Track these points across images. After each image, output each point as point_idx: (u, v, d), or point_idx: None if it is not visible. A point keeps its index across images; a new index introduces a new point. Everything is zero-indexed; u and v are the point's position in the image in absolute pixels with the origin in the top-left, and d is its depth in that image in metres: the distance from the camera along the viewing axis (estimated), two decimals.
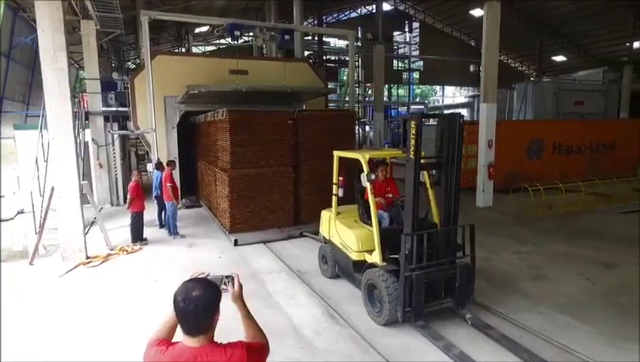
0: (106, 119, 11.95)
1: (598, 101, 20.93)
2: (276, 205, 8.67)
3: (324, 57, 24.12)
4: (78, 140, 9.26)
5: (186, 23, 18.66)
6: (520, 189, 11.11)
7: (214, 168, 9.47)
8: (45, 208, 7.51)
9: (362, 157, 5.20)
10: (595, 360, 4.03)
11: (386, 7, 29.14)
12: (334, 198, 6.06)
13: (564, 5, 24.53)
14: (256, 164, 8.43)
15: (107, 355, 4.32)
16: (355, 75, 21.71)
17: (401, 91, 35.27)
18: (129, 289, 6.00)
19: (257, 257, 7.36)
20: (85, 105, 11.97)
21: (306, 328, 4.80)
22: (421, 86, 40.23)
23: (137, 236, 8.19)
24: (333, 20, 30.87)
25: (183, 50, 21.60)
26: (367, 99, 28.27)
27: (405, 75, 33.59)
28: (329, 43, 27.17)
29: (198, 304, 1.57)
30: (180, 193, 9.63)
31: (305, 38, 18.94)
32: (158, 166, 9.47)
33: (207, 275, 1.78)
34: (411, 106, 32.30)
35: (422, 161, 4.69)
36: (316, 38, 22.63)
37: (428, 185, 5.28)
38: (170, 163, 9.20)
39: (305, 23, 21.72)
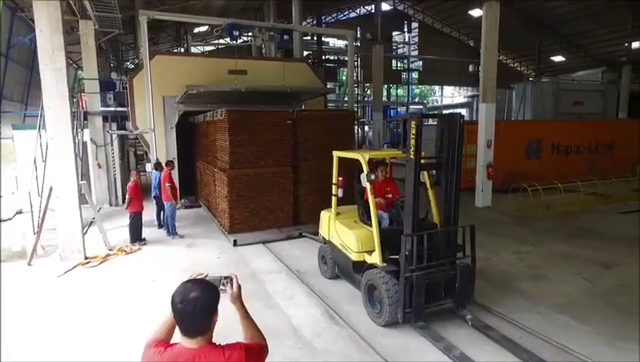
0: (105, 119, 11.93)
1: (596, 101, 20.96)
2: (275, 205, 8.66)
3: (323, 57, 24.10)
4: (77, 140, 9.24)
5: (185, 23, 18.63)
6: (519, 189, 11.13)
7: (213, 168, 9.46)
8: (44, 208, 7.48)
9: (362, 157, 5.19)
10: (593, 360, 4.03)
11: (385, 7, 29.13)
12: (334, 199, 6.05)
13: (563, 5, 24.57)
14: (256, 164, 8.41)
15: (106, 356, 4.30)
16: (354, 75, 21.73)
17: (400, 91, 35.27)
18: (128, 290, 5.98)
19: (256, 257, 7.35)
20: (84, 105, 11.95)
21: (305, 328, 4.80)
22: (420, 86, 40.27)
23: (136, 236, 8.18)
24: (332, 20, 30.86)
25: (182, 50, 21.57)
26: (366, 99, 28.25)
27: (404, 75, 33.58)
28: (328, 43, 27.16)
29: (196, 305, 1.57)
30: (178, 193, 9.62)
31: (304, 38, 18.92)
32: (157, 166, 9.45)
33: (206, 276, 1.77)
34: (410, 106, 32.31)
35: (422, 161, 4.68)
36: (315, 38, 22.60)
37: (428, 186, 5.27)
38: (169, 163, 9.19)
39: (304, 23, 21.70)
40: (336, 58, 26.61)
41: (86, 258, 7.18)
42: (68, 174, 7.01)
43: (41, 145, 9.05)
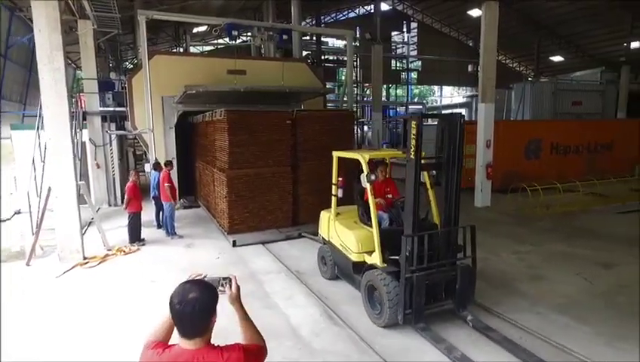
0: (104, 119, 11.91)
1: (595, 101, 20.97)
2: (275, 206, 8.65)
3: (323, 57, 24.09)
4: (76, 140, 9.21)
5: (184, 23, 18.60)
6: (518, 189, 11.13)
7: (212, 168, 9.45)
8: (42, 208, 7.46)
9: (362, 157, 5.17)
10: (593, 360, 4.03)
11: (384, 7, 29.13)
12: (334, 199, 6.03)
13: (562, 5, 24.58)
14: (255, 165, 8.40)
15: (105, 356, 4.29)
16: (354, 75, 21.69)
17: (399, 91, 35.29)
18: (126, 290, 5.97)
19: (256, 258, 7.34)
20: (83, 106, 11.93)
21: (304, 328, 4.79)
22: (419, 86, 40.27)
23: (135, 236, 8.16)
24: (332, 20, 30.84)
25: (181, 50, 21.53)
26: (365, 99, 28.25)
27: (403, 75, 33.59)
28: (327, 43, 27.14)
29: (194, 306, 1.56)
30: (177, 193, 9.60)
31: (303, 38, 18.92)
32: (156, 166, 9.44)
33: (205, 277, 1.76)
34: (409, 106, 32.32)
35: (422, 161, 4.66)
36: (314, 38, 22.60)
37: (428, 186, 5.26)
38: (168, 163, 9.18)
39: (303, 23, 21.70)
40: (335, 58, 26.61)
41: (85, 258, 7.17)
42: (66, 174, 6.99)
43: (39, 145, 9.04)
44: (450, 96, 41.09)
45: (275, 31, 12.29)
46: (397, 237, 4.62)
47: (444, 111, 27.89)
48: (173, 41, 23.72)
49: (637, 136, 15.66)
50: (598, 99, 21.13)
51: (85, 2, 9.80)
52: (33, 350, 4.45)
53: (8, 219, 9.79)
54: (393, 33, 31.83)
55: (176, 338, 1.67)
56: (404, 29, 32.80)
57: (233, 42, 12.57)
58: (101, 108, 11.95)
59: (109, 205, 11.91)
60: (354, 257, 5.28)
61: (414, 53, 33.26)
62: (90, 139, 11.60)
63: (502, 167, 12.25)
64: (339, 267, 5.92)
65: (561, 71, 30.62)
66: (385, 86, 30.60)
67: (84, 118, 11.50)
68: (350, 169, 6.36)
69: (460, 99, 35.75)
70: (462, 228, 4.86)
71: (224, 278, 1.78)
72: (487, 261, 6.78)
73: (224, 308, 1.73)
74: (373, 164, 5.39)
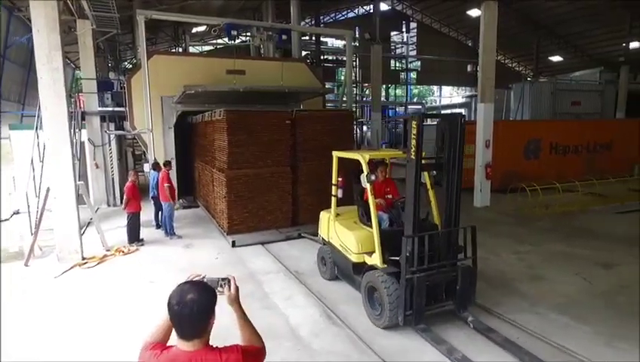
0: (103, 119, 11.89)
1: (594, 101, 20.99)
2: (274, 206, 8.63)
3: (322, 57, 24.07)
4: (75, 140, 9.20)
5: (183, 23, 18.58)
6: (517, 189, 11.13)
7: (212, 168, 9.43)
8: (41, 209, 7.45)
9: (362, 157, 5.14)
10: (593, 361, 4.02)
11: (384, 7, 29.12)
12: (333, 199, 6.01)
13: (561, 5, 24.60)
14: (254, 165, 8.38)
15: (103, 357, 4.28)
16: (353, 75, 21.68)
17: (398, 91, 35.28)
18: (125, 291, 5.96)
19: (255, 258, 7.33)
20: (81, 105, 11.91)
21: (303, 329, 4.78)
22: (418, 86, 40.26)
23: (134, 237, 8.15)
24: (331, 20, 30.83)
25: (180, 49, 21.51)
26: (364, 99, 28.25)
27: (403, 75, 33.58)
28: (326, 43, 27.12)
29: (193, 307, 1.55)
30: (176, 193, 9.58)
31: (302, 38, 18.90)
32: (155, 166, 9.43)
33: (203, 278, 1.76)
34: (409, 106, 32.32)
35: (423, 161, 4.63)
36: (314, 38, 22.58)
37: (429, 186, 5.25)
38: (167, 163, 9.17)
39: (302, 23, 21.68)
40: (334, 58, 26.59)
41: (83, 258, 7.15)
42: (65, 174, 6.98)
43: (38, 145, 9.02)
44: (449, 96, 41.10)
45: (274, 31, 12.28)
46: (397, 238, 4.59)
47: (443, 112, 27.94)
48: (172, 41, 23.67)
49: (636, 136, 15.67)
50: (597, 99, 21.14)
51: (84, 2, 9.78)
52: (32, 350, 4.44)
53: (7, 220, 9.77)
54: (392, 33, 31.83)
55: (174, 339, 1.66)
56: (404, 29, 32.81)
57: (232, 42, 12.59)
58: (100, 108, 11.92)
59: (108, 205, 11.89)
60: (354, 258, 5.25)
61: (413, 53, 33.26)
62: (89, 139, 11.57)
63: (501, 167, 12.25)
64: (339, 268, 5.91)
65: (561, 71, 30.65)
66: (384, 86, 30.60)
67: (83, 118, 11.48)
68: (350, 169, 6.34)
69: (460, 99, 35.76)
70: (462, 229, 4.83)
71: (223, 279, 1.78)
72: (486, 261, 6.77)
73: (223, 309, 1.72)
74: (373, 165, 5.37)
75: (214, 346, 1.65)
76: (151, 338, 1.74)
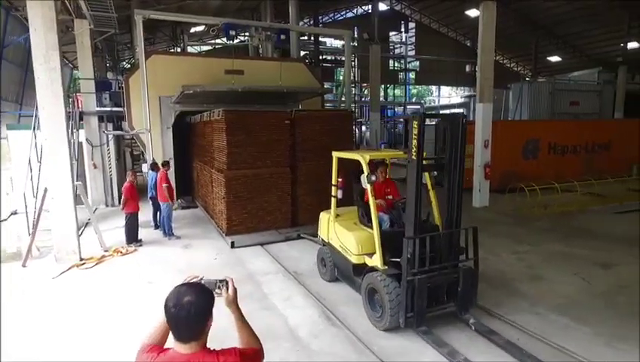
0: (101, 119, 11.85)
1: (593, 101, 21.02)
2: (273, 206, 8.60)
3: (321, 57, 24.05)
4: (72, 140, 9.17)
5: (182, 23, 18.55)
6: (516, 189, 11.13)
7: (210, 169, 9.40)
8: (38, 209, 7.42)
9: (362, 158, 5.10)
10: (591, 361, 4.01)
11: (382, 7, 29.15)
12: (333, 200, 5.97)
13: (560, 5, 24.63)
14: (253, 165, 8.35)
15: (101, 357, 4.25)
16: (352, 75, 21.67)
17: (397, 91, 35.29)
18: (123, 292, 5.93)
19: (254, 258, 7.31)
20: (79, 105, 11.87)
21: (302, 330, 4.76)
22: (417, 86, 40.29)
23: (132, 237, 8.12)
24: (330, 20, 30.83)
25: (179, 49, 21.48)
26: (363, 99, 28.26)
27: (401, 75, 33.61)
28: (325, 43, 27.11)
29: (190, 310, 1.53)
30: (175, 193, 9.56)
31: (301, 38, 18.88)
32: (153, 166, 9.40)
33: (201, 279, 1.73)
34: (407, 106, 32.34)
35: (424, 162, 4.57)
36: (312, 38, 22.57)
37: (429, 187, 5.22)
38: (165, 163, 9.14)
39: (301, 23, 21.66)
40: (333, 58, 26.58)
41: (81, 259, 7.12)
42: (63, 175, 6.95)
43: (36, 145, 8.98)
44: (448, 96, 41.14)
45: (272, 31, 12.26)
46: (398, 239, 4.55)
47: (442, 112, 27.93)
48: (170, 41, 23.63)
49: (634, 136, 15.69)
50: (596, 99, 21.18)
51: (82, 2, 9.75)
52: (31, 351, 4.42)
53: (5, 220, 9.72)
54: (391, 33, 31.87)
55: (171, 341, 1.64)
56: (402, 29, 32.83)
57: (231, 42, 12.56)
58: (98, 108, 11.89)
59: (106, 205, 11.85)
60: (354, 259, 5.21)
61: (412, 53, 33.29)
62: (87, 140, 11.54)
63: (500, 167, 12.26)
64: (339, 269, 5.87)
65: (559, 71, 30.70)
66: (383, 86, 30.64)
67: (81, 118, 11.44)
68: (349, 169, 6.31)
69: (458, 100, 35.80)
70: (464, 230, 4.78)
71: (221, 281, 1.76)
72: (486, 261, 6.75)
73: (220, 311, 1.70)
74: (373, 165, 5.33)
75: (212, 349, 1.63)
76: (148, 341, 1.72)
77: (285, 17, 18.08)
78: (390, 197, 5.54)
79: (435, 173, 5.00)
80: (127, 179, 8.29)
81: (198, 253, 7.72)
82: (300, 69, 13.37)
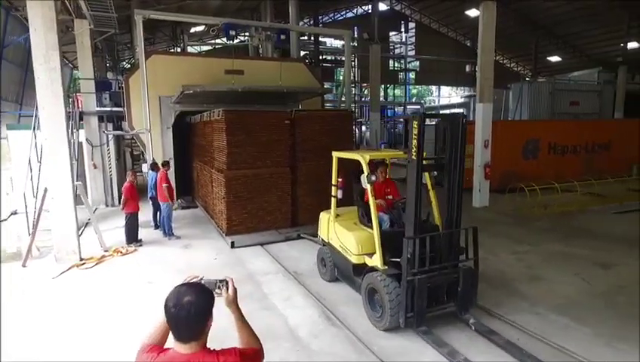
0: (101, 119, 11.85)
1: (593, 101, 21.02)
2: (273, 206, 8.59)
3: (321, 57, 24.06)
4: (72, 141, 9.17)
5: (182, 23, 18.56)
6: (516, 189, 11.13)
7: (210, 169, 9.40)
8: (38, 209, 7.42)
9: (362, 158, 5.10)
10: (591, 361, 4.01)
11: (382, 7, 29.14)
12: (333, 200, 5.97)
13: (560, 5, 24.63)
14: (253, 165, 8.35)
15: (101, 357, 4.25)
16: (352, 75, 21.68)
17: (397, 91, 35.29)
18: (123, 292, 5.93)
19: (254, 258, 7.31)
20: (79, 105, 11.87)
21: (302, 330, 4.76)
22: (417, 86, 40.29)
23: (132, 237, 8.12)
24: (329, 20, 30.82)
25: (179, 49, 21.48)
26: (363, 99, 28.26)
27: (401, 75, 33.60)
28: (325, 43, 27.11)
29: (190, 310, 1.53)
30: (175, 193, 9.55)
31: (301, 38, 18.88)
32: (153, 166, 9.40)
33: (201, 279, 1.73)
34: (407, 106, 32.33)
35: (424, 162, 4.57)
36: (312, 38, 22.57)
37: (429, 187, 5.21)
38: (165, 163, 9.14)
39: (301, 23, 21.66)
40: (333, 58, 26.59)
41: (81, 259, 7.12)
42: (63, 175, 6.95)
43: (36, 145, 8.98)
44: (448, 96, 41.14)
45: (272, 31, 12.27)
46: (398, 239, 4.54)
47: (442, 112, 27.93)
48: (170, 41, 23.63)
49: (634, 136, 15.69)
50: (596, 99, 21.18)
51: (82, 2, 9.75)
52: (31, 351, 4.42)
53: (5, 220, 9.72)
54: (391, 33, 31.86)
55: (171, 341, 1.64)
56: (402, 29, 32.82)
57: (231, 42, 12.57)
58: (98, 108, 11.89)
59: (106, 206, 11.85)
60: (354, 259, 5.20)
61: (412, 53, 33.28)
62: (87, 140, 11.54)
63: (500, 167, 12.25)
64: (339, 269, 5.87)
65: (559, 71, 30.69)
66: (383, 86, 30.63)
67: (81, 118, 11.44)
68: (349, 170, 6.30)
69: (458, 100, 35.79)
70: (464, 230, 4.77)
71: (221, 281, 1.76)
72: (486, 261, 6.74)
73: (220, 311, 1.70)
74: (373, 165, 5.32)
75: (212, 349, 1.63)
76: (148, 341, 1.72)
77: (285, 17, 18.09)
78: (390, 197, 5.54)
79: (435, 173, 4.98)
80: (127, 179, 8.29)
81: (198, 253, 7.72)
82: (299, 69, 13.37)
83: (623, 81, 21.27)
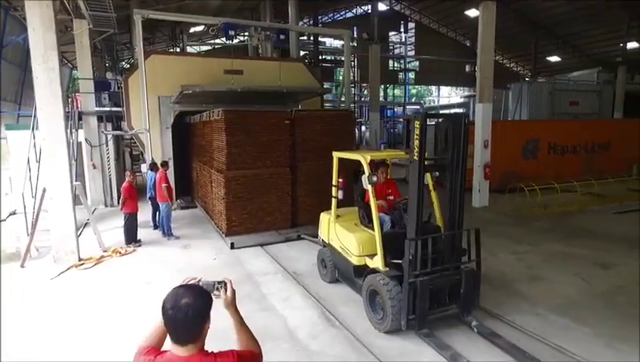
0: (100, 119, 11.83)
1: (592, 101, 21.02)
2: (273, 207, 8.57)
3: (320, 57, 24.04)
4: (71, 141, 9.15)
5: (181, 23, 18.54)
6: (516, 189, 11.13)
7: (210, 169, 9.38)
8: (37, 209, 7.40)
9: (363, 158, 5.05)
10: (591, 361, 4.00)
11: (382, 7, 29.13)
12: (334, 201, 5.93)
13: (560, 5, 24.64)
14: (253, 165, 8.33)
15: (100, 358, 4.23)
16: (351, 75, 21.68)
17: (396, 91, 35.28)
18: (122, 292, 5.91)
19: (253, 259, 7.29)
20: (78, 105, 11.85)
21: (301, 330, 4.74)
22: (417, 86, 40.28)
23: (131, 237, 8.10)
24: (329, 20, 30.81)
25: (178, 49, 21.47)
26: (362, 99, 28.25)
27: (401, 75, 33.59)
28: (325, 43, 27.09)
29: (187, 312, 1.51)
30: (174, 194, 9.54)
31: (300, 37, 18.87)
32: (152, 167, 9.38)
33: (199, 281, 1.72)
34: (407, 106, 32.31)
35: (426, 162, 4.51)
36: (312, 37, 22.56)
37: (431, 187, 5.18)
38: (164, 164, 9.12)
39: (300, 23, 21.65)
40: (333, 58, 26.59)
41: (80, 259, 7.10)
42: (61, 175, 6.93)
43: (34, 145, 8.96)
44: (447, 96, 41.14)
45: (272, 31, 12.25)
46: (399, 240, 4.49)
47: (441, 112, 27.91)
48: (169, 41, 23.62)
49: (634, 136, 15.69)
50: (595, 99, 21.18)
51: (81, 1, 9.73)
52: (31, 351, 4.40)
53: (4, 220, 9.71)
54: (391, 33, 31.85)
55: (169, 344, 1.63)
56: (402, 29, 32.80)
57: (230, 42, 12.53)
58: (97, 108, 11.88)
59: (105, 206, 11.83)
60: (355, 260, 5.16)
61: (412, 53, 33.27)
62: (86, 140, 11.52)
63: (499, 167, 12.24)
64: (339, 270, 5.83)
65: (559, 71, 30.69)
66: (382, 86, 30.62)
67: (80, 118, 11.42)
68: (350, 170, 6.27)
69: (458, 100, 35.78)
70: (466, 231, 4.72)
71: (219, 282, 1.74)
72: (485, 261, 6.69)
73: (219, 312, 1.68)
74: (374, 165, 5.28)
75: (209, 351, 1.61)
76: (145, 343, 1.70)
77: (285, 17, 18.08)
78: (391, 197, 5.49)
79: (437, 173, 4.94)
80: (126, 179, 8.27)
81: (197, 254, 7.70)
82: (299, 68, 13.35)
83: (623, 81, 21.27)
